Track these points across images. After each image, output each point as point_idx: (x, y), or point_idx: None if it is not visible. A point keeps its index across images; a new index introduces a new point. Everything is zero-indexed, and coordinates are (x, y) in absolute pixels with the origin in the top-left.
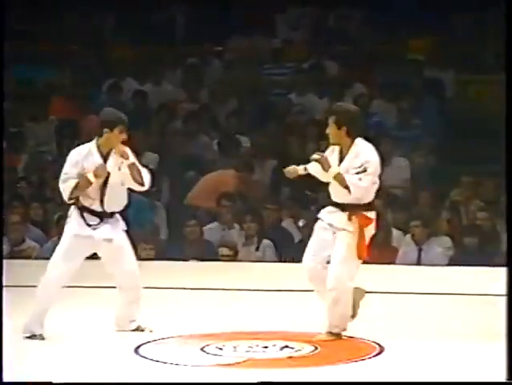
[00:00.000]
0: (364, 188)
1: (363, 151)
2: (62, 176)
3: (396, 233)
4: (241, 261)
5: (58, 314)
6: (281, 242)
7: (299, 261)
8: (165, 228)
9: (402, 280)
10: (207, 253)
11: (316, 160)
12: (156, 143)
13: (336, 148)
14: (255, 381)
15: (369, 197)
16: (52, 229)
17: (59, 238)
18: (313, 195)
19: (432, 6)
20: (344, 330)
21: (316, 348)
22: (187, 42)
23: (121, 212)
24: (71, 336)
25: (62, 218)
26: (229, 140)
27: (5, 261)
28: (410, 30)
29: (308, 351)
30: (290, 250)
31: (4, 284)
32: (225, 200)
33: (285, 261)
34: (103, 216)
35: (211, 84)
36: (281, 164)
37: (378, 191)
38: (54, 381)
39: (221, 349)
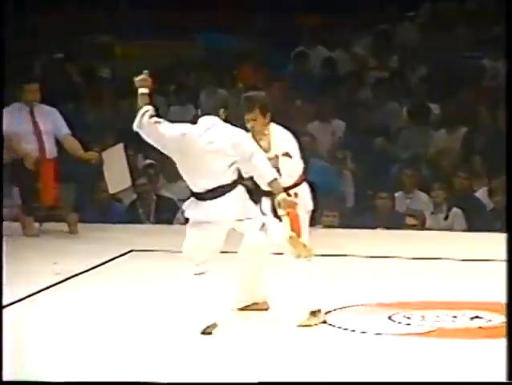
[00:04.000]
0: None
1: (285, 136)
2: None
3: None
4: (429, 229)
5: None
6: (471, 211)
7: (491, 230)
8: (352, 196)
9: None
10: (395, 222)
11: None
12: (344, 110)
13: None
14: (450, 351)
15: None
16: None
17: None
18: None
19: None
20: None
21: None
22: (378, 7)
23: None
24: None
25: None
26: (419, 107)
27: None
28: None
29: (500, 322)
30: (481, 220)
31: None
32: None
33: (475, 231)
34: None
35: (402, 50)
36: (472, 132)
37: None
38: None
39: (408, 318)
